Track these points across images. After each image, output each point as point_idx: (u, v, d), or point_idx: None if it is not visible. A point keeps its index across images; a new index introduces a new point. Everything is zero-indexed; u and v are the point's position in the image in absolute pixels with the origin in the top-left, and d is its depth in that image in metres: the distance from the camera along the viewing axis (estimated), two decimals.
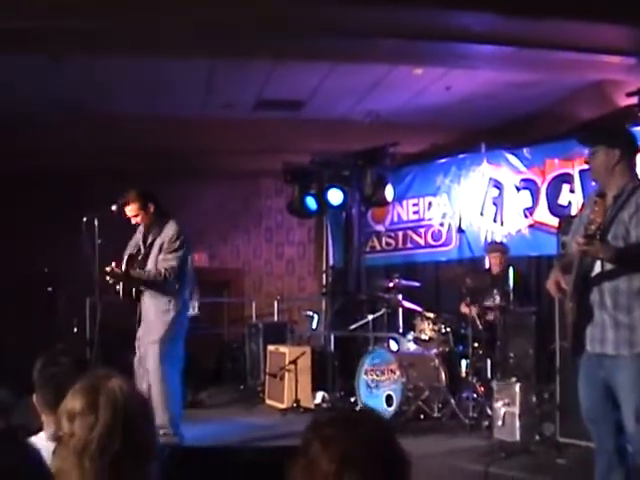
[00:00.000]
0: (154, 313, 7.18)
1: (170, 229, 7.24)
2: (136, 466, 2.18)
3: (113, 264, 7.03)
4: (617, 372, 4.48)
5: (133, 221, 7.32)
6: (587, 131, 5.35)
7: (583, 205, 5.19)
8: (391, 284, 9.64)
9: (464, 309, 8.99)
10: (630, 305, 4.45)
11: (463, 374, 8.85)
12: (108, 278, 7.03)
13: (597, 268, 4.55)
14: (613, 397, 4.52)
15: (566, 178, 9.74)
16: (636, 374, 4.40)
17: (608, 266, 4.49)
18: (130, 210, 7.24)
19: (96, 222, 6.89)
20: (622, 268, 4.46)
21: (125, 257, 7.28)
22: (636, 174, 4.75)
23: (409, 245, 12.10)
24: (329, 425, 1.97)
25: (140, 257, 7.28)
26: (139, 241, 7.43)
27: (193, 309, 10.35)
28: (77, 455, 2.11)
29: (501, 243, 9.91)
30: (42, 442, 2.83)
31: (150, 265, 7.21)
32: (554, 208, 9.85)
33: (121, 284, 7.16)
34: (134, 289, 7.20)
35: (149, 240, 7.31)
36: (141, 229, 7.45)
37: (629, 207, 4.47)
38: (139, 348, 7.32)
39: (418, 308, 9.48)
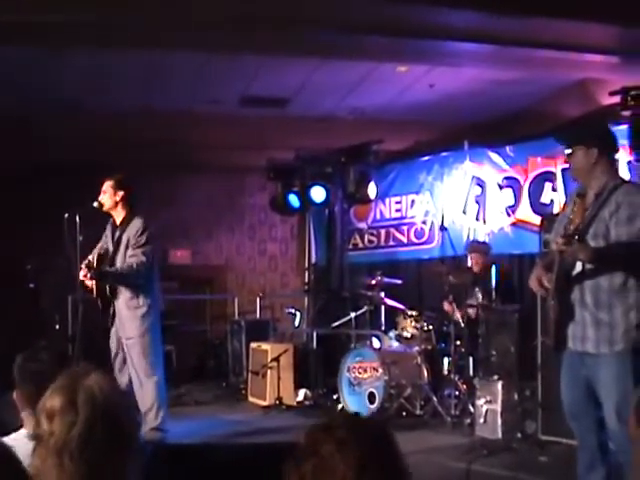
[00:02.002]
0: (126, 309, 7.15)
1: (135, 224, 7.19)
2: (117, 464, 2.16)
3: (85, 262, 7.04)
4: (598, 370, 4.51)
5: (102, 203, 7.25)
6: (565, 130, 5.37)
7: (566, 203, 5.21)
8: (373, 282, 9.63)
9: (447, 307, 9.01)
10: (611, 303, 4.47)
11: (445, 372, 8.86)
12: (83, 276, 7.00)
13: (578, 267, 4.57)
14: (595, 394, 4.55)
15: (548, 176, 9.76)
16: (617, 372, 4.43)
17: (589, 265, 4.52)
18: (104, 186, 7.24)
19: (77, 219, 6.87)
20: (603, 267, 4.49)
21: (93, 257, 7.20)
22: (617, 172, 4.77)
23: (392, 243, 12.12)
24: (342, 427, 1.98)
25: (109, 255, 7.24)
26: (106, 242, 7.38)
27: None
28: (57, 454, 2.08)
29: (482, 243, 9.90)
30: (23, 439, 2.81)
31: (119, 262, 7.18)
32: (536, 206, 9.87)
33: (94, 283, 7.12)
34: (108, 287, 7.16)
35: (117, 235, 7.28)
36: (109, 228, 7.41)
37: (609, 205, 4.49)
38: (113, 345, 7.29)
39: (400, 306, 9.49)
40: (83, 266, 7.01)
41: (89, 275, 6.99)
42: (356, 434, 1.95)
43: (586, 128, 5.44)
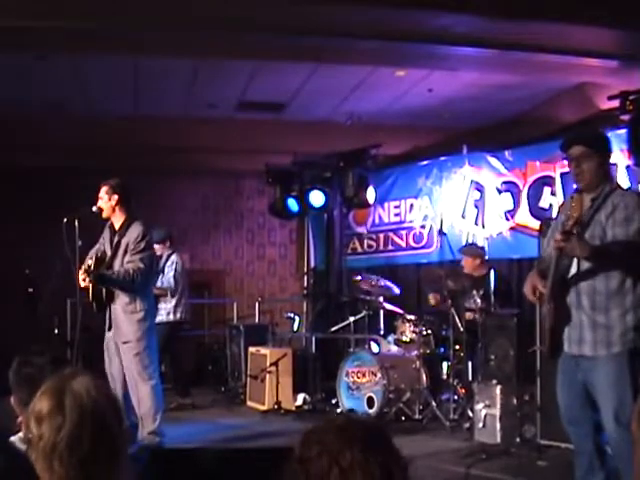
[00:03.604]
0: (122, 314, 7.13)
1: (135, 230, 7.15)
2: (106, 466, 2.17)
3: (84, 266, 7.03)
4: (595, 373, 4.51)
5: (101, 208, 7.24)
6: (588, 133, 5.32)
7: (561, 206, 5.20)
8: (367, 286, 9.62)
9: (432, 300, 9.03)
10: (607, 305, 4.48)
11: (444, 376, 8.86)
12: (81, 278, 6.98)
13: (574, 269, 4.57)
14: (592, 398, 4.55)
15: (547, 181, 9.76)
16: (614, 374, 4.43)
17: (585, 267, 4.53)
18: (100, 192, 7.22)
19: (77, 223, 6.85)
20: (599, 268, 4.49)
21: (88, 261, 7.17)
22: (614, 178, 4.78)
23: (390, 247, 12.10)
24: (340, 417, 2.01)
25: (107, 259, 7.22)
26: (103, 245, 7.36)
27: (182, 314, 10.24)
28: (46, 457, 2.10)
29: (472, 245, 9.88)
30: (20, 442, 2.81)
31: (117, 267, 7.15)
32: (535, 211, 9.87)
33: (91, 287, 7.10)
34: (104, 292, 7.14)
35: (115, 240, 7.25)
36: (107, 232, 7.38)
37: (606, 208, 4.53)
38: (108, 350, 7.27)
39: (399, 310, 9.48)
40: (82, 269, 7.00)
41: (88, 278, 6.98)
42: (355, 421, 1.99)
43: (603, 133, 5.38)
